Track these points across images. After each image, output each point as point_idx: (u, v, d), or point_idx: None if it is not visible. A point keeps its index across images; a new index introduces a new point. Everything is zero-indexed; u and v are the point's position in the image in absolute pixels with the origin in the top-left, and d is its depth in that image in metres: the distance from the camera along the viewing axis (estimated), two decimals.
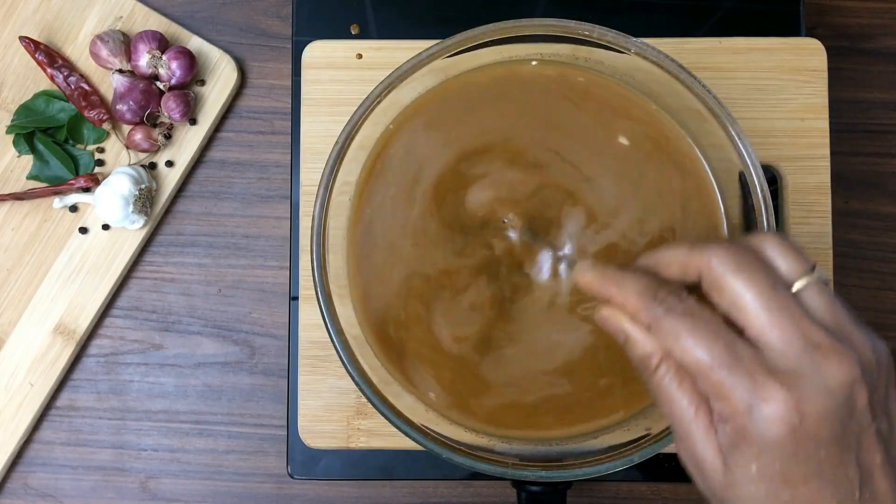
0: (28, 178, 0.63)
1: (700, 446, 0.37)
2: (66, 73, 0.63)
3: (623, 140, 0.51)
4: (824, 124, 0.58)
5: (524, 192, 0.51)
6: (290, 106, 0.61)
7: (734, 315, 0.37)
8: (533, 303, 0.51)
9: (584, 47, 0.50)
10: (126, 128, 0.64)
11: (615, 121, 0.52)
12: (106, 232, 0.63)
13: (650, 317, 0.38)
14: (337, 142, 0.49)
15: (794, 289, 0.37)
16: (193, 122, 0.64)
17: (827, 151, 0.58)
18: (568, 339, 0.51)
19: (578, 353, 0.51)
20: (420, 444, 0.47)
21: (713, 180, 0.51)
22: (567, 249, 0.50)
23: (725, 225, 0.51)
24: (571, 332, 0.50)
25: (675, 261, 0.39)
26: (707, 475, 0.38)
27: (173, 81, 0.62)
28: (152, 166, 0.63)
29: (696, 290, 0.38)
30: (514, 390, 0.51)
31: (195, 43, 0.64)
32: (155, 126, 0.63)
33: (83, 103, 0.62)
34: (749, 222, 0.49)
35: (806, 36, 0.60)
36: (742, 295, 0.36)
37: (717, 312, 0.37)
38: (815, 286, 0.37)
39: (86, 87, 0.63)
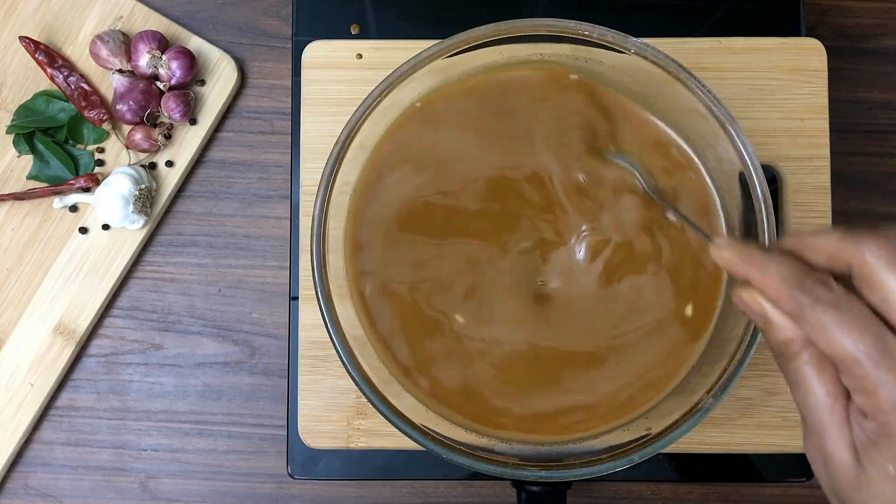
0: (28, 178, 0.63)
1: (832, 440, 0.36)
2: (66, 73, 0.63)
3: (621, 134, 0.52)
4: (824, 124, 0.58)
5: (524, 192, 0.51)
6: (290, 106, 0.61)
7: (885, 311, 0.35)
8: (538, 303, 0.51)
9: (584, 47, 0.50)
10: (126, 128, 0.64)
11: (612, 119, 0.52)
12: (106, 232, 0.63)
13: (795, 305, 0.36)
14: (337, 142, 0.49)
15: None
16: (193, 122, 0.64)
17: (827, 151, 0.58)
18: (584, 341, 0.51)
19: (593, 355, 0.51)
20: (420, 444, 0.47)
21: (707, 178, 0.51)
22: (578, 251, 0.50)
23: (722, 219, 0.51)
24: (588, 335, 0.51)
25: (824, 247, 0.37)
26: (836, 471, 0.36)
27: (173, 81, 0.62)
28: (152, 166, 0.63)
29: (842, 279, 0.37)
30: (518, 391, 0.51)
31: (195, 43, 0.64)
32: (155, 126, 0.63)
33: (83, 103, 0.62)
34: (749, 222, 0.49)
35: (806, 36, 0.60)
36: None
37: (865, 305, 0.35)
38: None
39: (86, 87, 0.63)
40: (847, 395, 0.36)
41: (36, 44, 0.63)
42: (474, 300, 0.51)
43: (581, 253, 0.51)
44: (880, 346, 0.34)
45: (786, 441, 0.56)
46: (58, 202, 0.63)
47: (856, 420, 0.36)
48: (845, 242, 0.36)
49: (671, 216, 0.49)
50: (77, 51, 0.64)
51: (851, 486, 0.36)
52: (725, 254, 0.39)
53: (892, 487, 0.35)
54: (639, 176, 0.50)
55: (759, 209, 0.48)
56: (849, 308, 0.35)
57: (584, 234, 0.51)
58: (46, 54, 0.63)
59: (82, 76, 0.63)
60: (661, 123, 0.52)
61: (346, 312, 0.50)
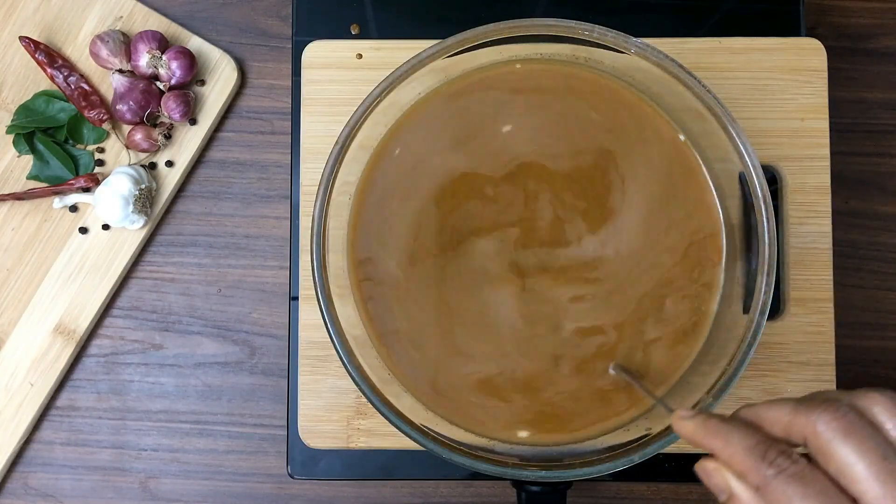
0: (28, 178, 0.63)
1: None
2: (66, 73, 0.63)
3: (619, 133, 0.51)
4: (824, 124, 0.58)
5: (524, 192, 0.51)
6: (290, 106, 0.61)
7: (844, 483, 0.35)
8: (537, 304, 0.51)
9: (584, 47, 0.50)
10: (126, 128, 0.64)
11: (613, 118, 0.52)
12: (106, 232, 0.63)
13: (759, 478, 0.36)
14: (337, 142, 0.49)
15: None
16: (193, 122, 0.64)
17: (827, 151, 0.58)
18: (580, 343, 0.51)
19: (589, 357, 0.51)
20: (420, 444, 0.47)
21: (708, 177, 0.51)
22: (577, 253, 0.51)
23: (722, 219, 0.51)
24: (583, 336, 0.51)
25: (778, 420, 0.37)
26: None
27: (173, 81, 0.62)
28: (152, 166, 0.63)
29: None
30: (517, 390, 0.51)
31: (195, 43, 0.64)
32: (155, 126, 0.63)
33: (83, 103, 0.62)
34: (749, 222, 0.49)
35: (806, 36, 0.60)
36: (852, 465, 0.35)
37: (827, 476, 0.36)
38: None
39: (86, 87, 0.63)
40: None
41: (36, 44, 0.63)
42: (474, 299, 0.51)
43: (579, 254, 0.51)
44: None
45: None
46: (58, 202, 0.63)
47: None
48: (797, 416, 0.37)
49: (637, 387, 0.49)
50: (77, 51, 0.64)
51: None
52: (688, 425, 0.39)
53: None
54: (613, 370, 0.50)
55: (759, 209, 0.48)
56: (812, 481, 0.36)
57: (583, 238, 0.51)
58: (46, 54, 0.63)
59: (82, 76, 0.63)
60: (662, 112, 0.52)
61: (346, 312, 0.50)
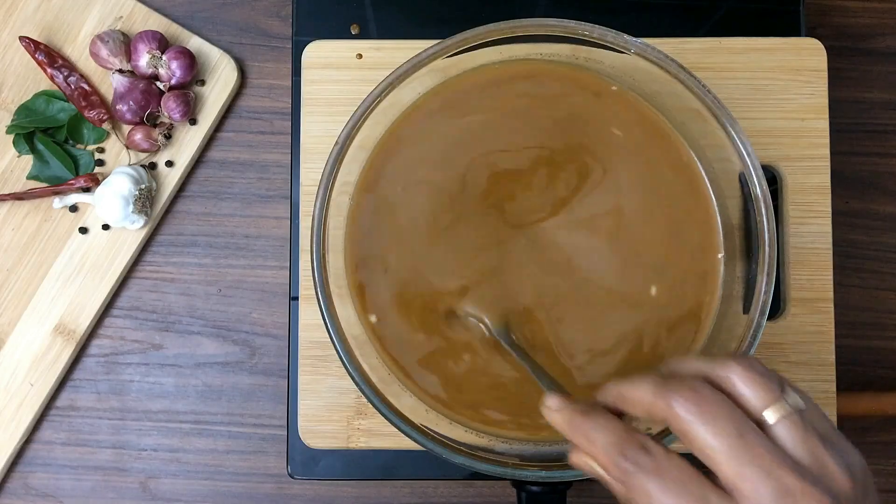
0: (28, 178, 0.63)
1: None
2: (66, 73, 0.63)
3: (618, 134, 0.51)
4: (824, 124, 0.58)
5: (525, 192, 0.51)
6: (290, 106, 0.61)
7: (706, 462, 0.36)
8: (538, 304, 0.51)
9: (584, 47, 0.50)
10: (126, 128, 0.64)
11: (613, 119, 0.52)
12: (106, 232, 0.63)
13: (619, 473, 0.38)
14: (337, 142, 0.49)
15: (768, 419, 0.37)
16: (193, 122, 0.64)
17: (827, 151, 0.58)
18: (580, 340, 0.51)
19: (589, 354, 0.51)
20: (420, 444, 0.47)
21: (705, 177, 0.51)
22: (577, 253, 0.51)
23: (721, 219, 0.51)
24: (584, 332, 0.51)
25: (640, 402, 0.38)
26: None
27: (173, 81, 0.62)
28: (152, 166, 0.63)
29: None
30: (517, 390, 0.51)
31: (195, 43, 0.64)
32: (155, 126, 0.63)
33: (83, 103, 0.62)
34: (749, 222, 0.49)
35: (806, 36, 0.60)
36: (709, 445, 0.36)
37: (686, 462, 0.37)
38: (785, 418, 0.36)
39: (86, 87, 0.63)
40: None
41: (36, 44, 0.63)
42: (474, 298, 0.51)
43: (579, 257, 0.51)
44: None
45: None
46: (58, 202, 0.63)
47: None
48: (657, 398, 0.38)
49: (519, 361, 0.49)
50: (77, 51, 0.64)
51: None
52: (555, 417, 0.41)
53: None
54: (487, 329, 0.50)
55: (759, 209, 0.48)
56: (668, 472, 0.37)
57: (583, 239, 0.51)
58: (46, 54, 0.63)
59: (82, 76, 0.63)
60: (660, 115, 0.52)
61: (346, 312, 0.50)
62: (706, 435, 0.36)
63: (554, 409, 0.41)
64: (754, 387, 0.37)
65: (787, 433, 0.36)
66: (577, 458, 0.40)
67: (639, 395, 0.38)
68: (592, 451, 0.39)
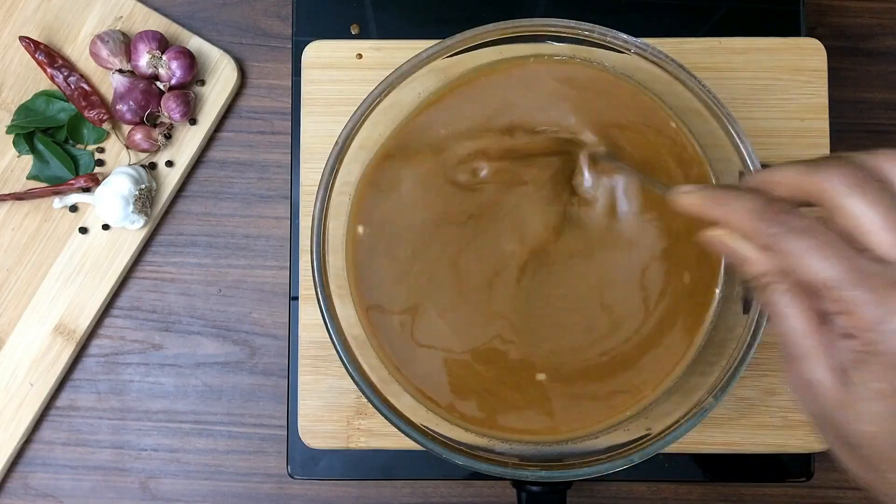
0: (28, 178, 0.63)
1: (814, 364, 0.36)
2: (66, 73, 0.63)
3: (621, 134, 0.51)
4: (824, 124, 0.58)
5: (525, 192, 0.51)
6: (290, 106, 0.61)
7: (856, 235, 0.35)
8: (538, 302, 0.51)
9: (584, 47, 0.50)
10: (126, 128, 0.64)
11: (616, 116, 0.52)
12: (106, 232, 0.63)
13: (768, 236, 0.36)
14: (337, 142, 0.49)
15: None
16: (193, 122, 0.64)
17: (827, 151, 0.58)
18: (580, 339, 0.51)
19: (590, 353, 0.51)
20: (420, 444, 0.47)
21: (710, 172, 0.51)
22: (574, 247, 0.50)
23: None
24: (585, 331, 0.51)
25: (787, 181, 0.37)
26: (820, 395, 0.36)
27: (173, 81, 0.62)
28: (152, 166, 0.64)
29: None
30: (515, 389, 0.51)
31: (195, 43, 0.64)
32: (155, 126, 0.63)
33: (83, 103, 0.62)
34: None
35: (806, 36, 0.60)
36: (864, 214, 0.35)
37: (834, 231, 0.36)
38: None
39: (86, 87, 0.63)
40: (824, 322, 0.36)
41: (36, 44, 0.63)
42: (474, 297, 0.51)
43: (578, 251, 0.51)
44: (858, 268, 0.35)
45: (786, 441, 0.56)
46: (58, 202, 0.63)
47: (839, 343, 0.36)
48: (809, 174, 0.37)
49: (622, 173, 0.48)
50: (77, 51, 0.64)
51: (837, 407, 0.36)
52: (691, 199, 0.39)
53: (878, 403, 0.35)
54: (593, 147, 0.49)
55: None
56: (821, 233, 0.36)
57: (583, 235, 0.51)
58: (46, 54, 0.63)
59: (82, 76, 0.63)
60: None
61: (346, 312, 0.50)
62: (860, 205, 0.35)
63: (689, 191, 0.39)
64: None
65: None
66: (713, 232, 0.38)
67: (786, 174, 0.37)
68: (737, 218, 0.37)
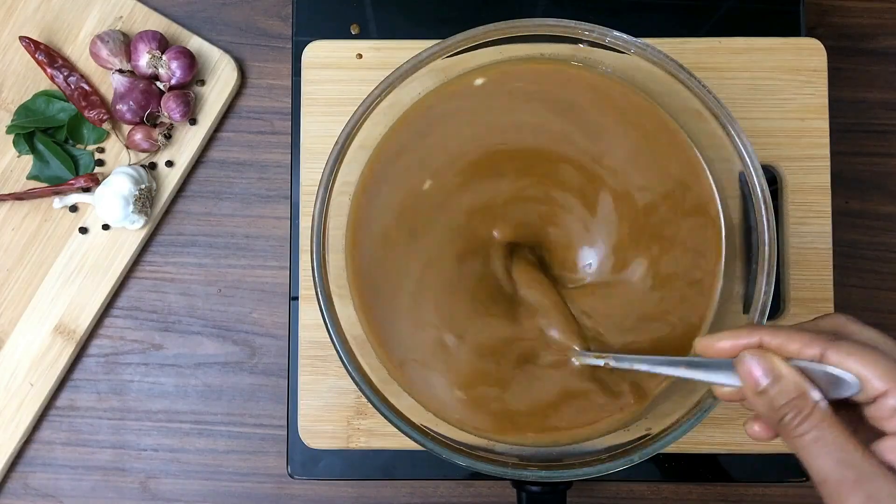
0: (28, 178, 0.63)
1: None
2: (66, 73, 0.63)
3: (620, 134, 0.51)
4: (824, 124, 0.58)
5: (525, 191, 0.51)
6: (290, 106, 0.61)
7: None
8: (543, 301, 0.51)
9: (584, 47, 0.50)
10: (126, 128, 0.64)
11: (613, 116, 0.52)
12: (106, 232, 0.63)
13: (823, 343, 0.38)
14: (337, 142, 0.49)
15: None
16: (193, 122, 0.64)
17: (827, 151, 0.58)
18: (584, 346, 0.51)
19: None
20: (420, 444, 0.47)
21: (710, 176, 0.51)
22: (574, 251, 0.51)
23: (722, 218, 0.51)
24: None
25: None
26: None
27: (173, 81, 0.62)
28: (152, 166, 0.63)
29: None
30: (516, 391, 0.51)
31: (195, 43, 0.64)
32: (155, 126, 0.63)
33: (83, 103, 0.62)
34: (749, 222, 0.49)
35: (806, 36, 0.60)
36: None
37: None
38: None
39: (86, 87, 0.63)
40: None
41: (36, 44, 0.63)
42: (474, 297, 0.51)
43: (578, 253, 0.51)
44: None
45: None
46: (58, 202, 0.63)
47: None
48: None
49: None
50: (77, 51, 0.64)
51: None
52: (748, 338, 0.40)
53: None
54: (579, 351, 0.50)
55: (759, 209, 0.48)
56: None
57: (583, 237, 0.51)
58: (46, 54, 0.63)
59: (82, 76, 0.63)
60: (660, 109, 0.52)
61: (346, 312, 0.50)
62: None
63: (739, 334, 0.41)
64: None
65: None
66: (749, 353, 0.39)
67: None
68: (790, 339, 0.39)
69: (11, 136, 0.63)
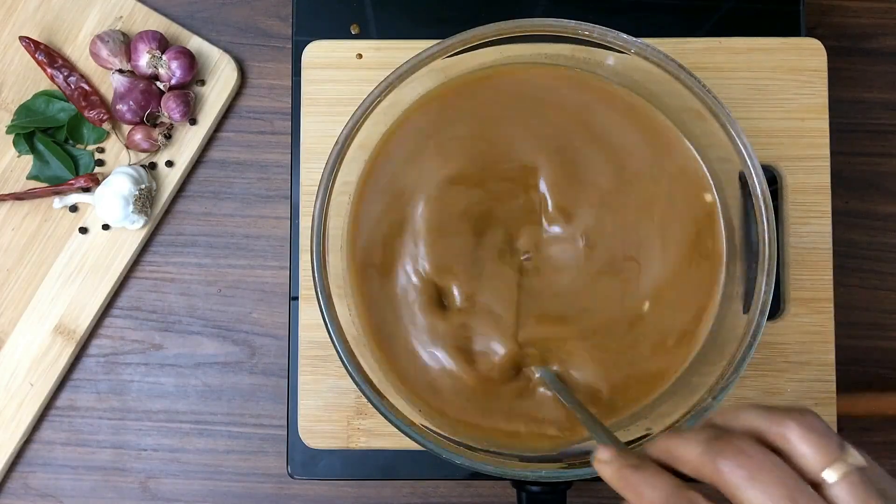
0: (28, 178, 0.63)
1: None
2: (66, 73, 0.63)
3: (619, 135, 0.51)
4: (824, 124, 0.58)
5: (525, 191, 0.51)
6: (290, 106, 0.61)
7: None
8: (541, 303, 0.51)
9: (584, 47, 0.50)
10: (126, 128, 0.64)
11: (613, 117, 0.52)
12: (106, 232, 0.63)
13: None
14: (337, 142, 0.49)
15: (827, 478, 0.35)
16: (193, 122, 0.64)
17: (827, 151, 0.58)
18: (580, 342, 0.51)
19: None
20: (420, 444, 0.47)
21: (709, 177, 0.51)
22: (569, 251, 0.50)
23: (722, 219, 0.51)
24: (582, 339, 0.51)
25: (687, 461, 0.37)
26: None
27: (173, 81, 0.62)
28: (152, 166, 0.63)
29: None
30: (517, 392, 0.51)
31: (195, 43, 0.64)
32: (155, 126, 0.63)
33: (83, 103, 0.62)
34: (749, 222, 0.49)
35: (806, 36, 0.60)
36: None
37: None
38: (845, 478, 0.35)
39: (86, 87, 0.63)
40: None
41: (36, 44, 0.63)
42: (474, 297, 0.51)
43: (572, 254, 0.51)
44: None
45: None
46: (58, 202, 0.63)
47: None
48: (704, 457, 0.36)
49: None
50: (77, 51, 0.64)
51: None
52: (605, 470, 0.39)
53: None
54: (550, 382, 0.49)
55: (759, 209, 0.48)
56: None
57: (583, 237, 0.51)
58: (46, 54, 0.63)
59: (82, 76, 0.63)
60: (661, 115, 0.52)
61: (346, 312, 0.50)
62: (756, 499, 0.34)
63: (604, 461, 0.39)
64: (813, 445, 0.35)
65: (847, 494, 0.34)
66: None
67: (686, 454, 0.37)
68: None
69: (11, 136, 0.63)
